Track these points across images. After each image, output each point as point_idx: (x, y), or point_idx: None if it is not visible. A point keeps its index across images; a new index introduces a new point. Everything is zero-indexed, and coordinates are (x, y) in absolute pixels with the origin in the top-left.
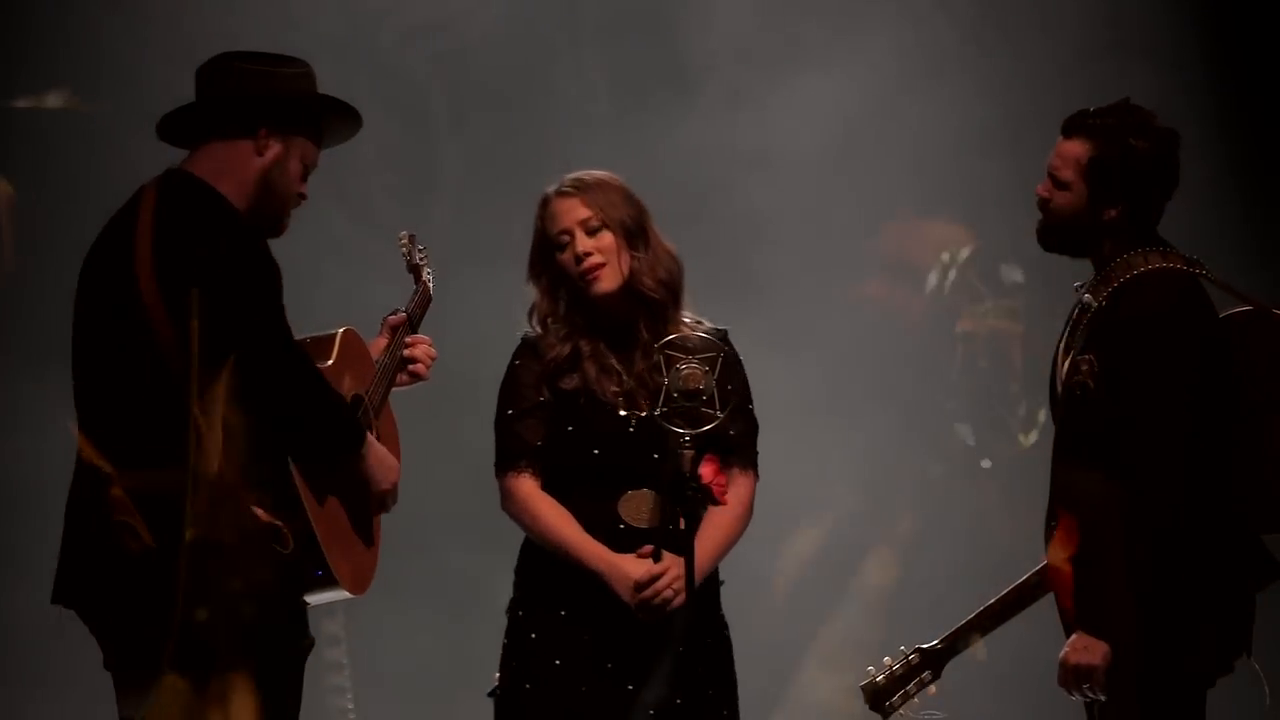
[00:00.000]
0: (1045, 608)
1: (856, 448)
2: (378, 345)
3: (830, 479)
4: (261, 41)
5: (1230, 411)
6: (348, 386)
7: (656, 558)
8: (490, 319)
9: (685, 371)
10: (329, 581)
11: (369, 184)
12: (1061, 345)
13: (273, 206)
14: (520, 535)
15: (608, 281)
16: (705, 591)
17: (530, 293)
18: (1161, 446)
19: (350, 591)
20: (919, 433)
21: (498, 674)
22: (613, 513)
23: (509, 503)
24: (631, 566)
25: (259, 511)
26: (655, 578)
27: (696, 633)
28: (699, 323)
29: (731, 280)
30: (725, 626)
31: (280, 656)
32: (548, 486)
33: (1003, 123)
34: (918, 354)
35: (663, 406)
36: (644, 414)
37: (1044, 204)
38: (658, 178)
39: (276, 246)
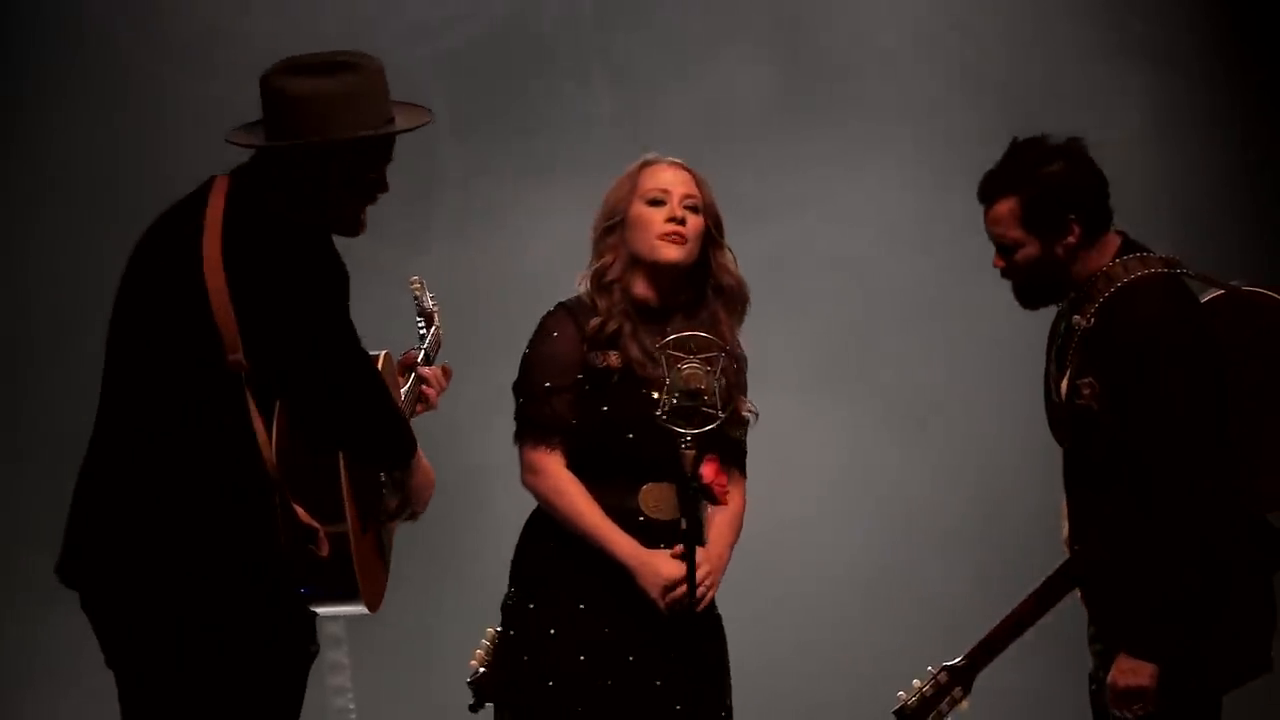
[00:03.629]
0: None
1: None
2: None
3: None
4: (260, 42)
5: (1227, 403)
6: None
7: (684, 557)
8: (491, 319)
9: (686, 371)
10: (352, 594)
11: None
12: (1052, 364)
13: (343, 210)
14: (515, 531)
15: (682, 253)
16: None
17: (585, 251)
18: (1189, 463)
19: (367, 608)
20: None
21: (480, 665)
22: (633, 503)
23: (536, 477)
24: (663, 564)
25: (299, 510)
26: (686, 577)
27: (701, 626)
28: None
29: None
30: (720, 618)
31: (288, 659)
32: (571, 468)
33: (1001, 125)
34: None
35: (664, 407)
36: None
37: (1007, 272)
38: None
39: None
